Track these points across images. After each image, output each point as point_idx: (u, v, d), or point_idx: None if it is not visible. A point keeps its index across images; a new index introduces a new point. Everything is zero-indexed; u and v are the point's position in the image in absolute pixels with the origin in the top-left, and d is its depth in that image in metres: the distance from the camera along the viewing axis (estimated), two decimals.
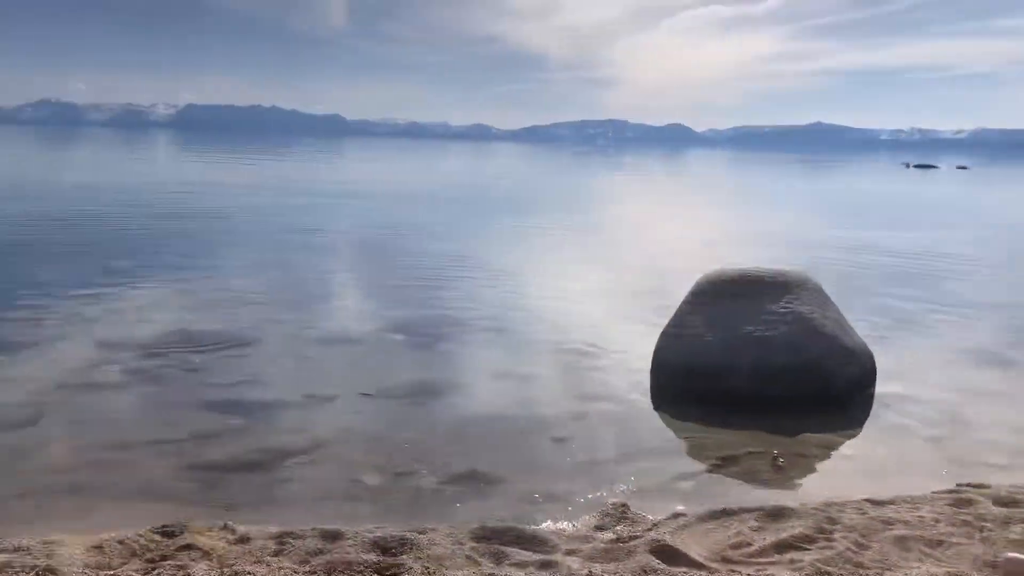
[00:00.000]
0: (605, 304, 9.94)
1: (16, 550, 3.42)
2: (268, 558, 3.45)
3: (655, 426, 5.79)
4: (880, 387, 6.52)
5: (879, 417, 6.03)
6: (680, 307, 6.96)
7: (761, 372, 6.13)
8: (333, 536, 3.66)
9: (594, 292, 10.67)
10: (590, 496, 4.41)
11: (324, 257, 13.33)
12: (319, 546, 3.56)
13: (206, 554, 3.49)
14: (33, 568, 3.24)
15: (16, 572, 3.22)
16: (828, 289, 6.94)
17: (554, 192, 34.30)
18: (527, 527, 3.86)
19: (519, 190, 34.40)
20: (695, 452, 5.26)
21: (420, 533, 3.69)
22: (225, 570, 3.29)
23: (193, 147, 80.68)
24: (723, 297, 6.76)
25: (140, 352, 6.85)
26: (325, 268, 12.16)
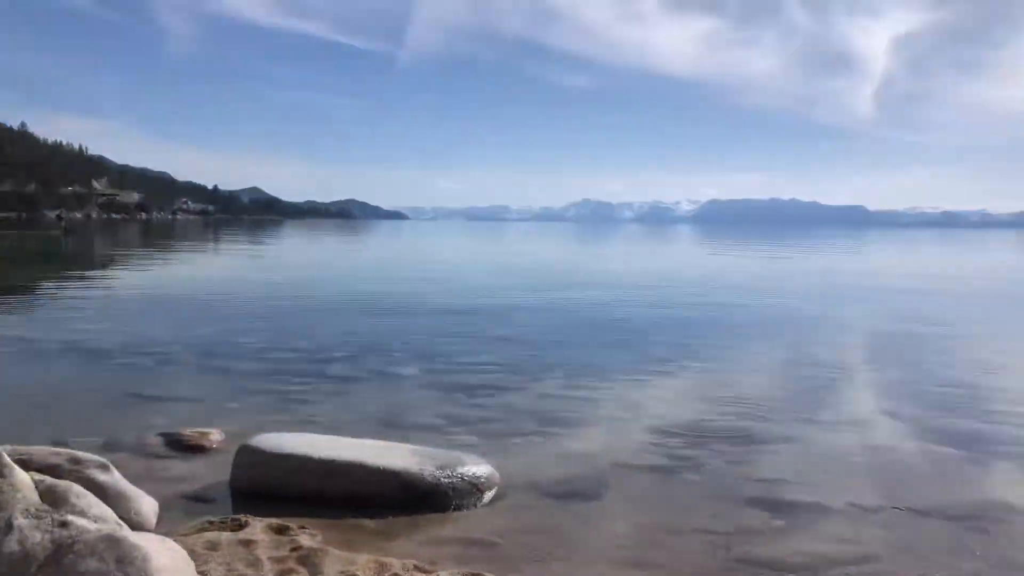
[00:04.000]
0: None
1: None
2: None
3: None
4: None
5: None
6: None
7: None
8: None
9: None
10: None
11: (856, 353, 12.86)
12: None
13: None
14: None
15: None
16: None
17: None
18: None
19: None
20: None
21: None
22: None
23: (713, 240, 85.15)
24: None
25: (682, 439, 7.33)
26: (854, 365, 11.71)
